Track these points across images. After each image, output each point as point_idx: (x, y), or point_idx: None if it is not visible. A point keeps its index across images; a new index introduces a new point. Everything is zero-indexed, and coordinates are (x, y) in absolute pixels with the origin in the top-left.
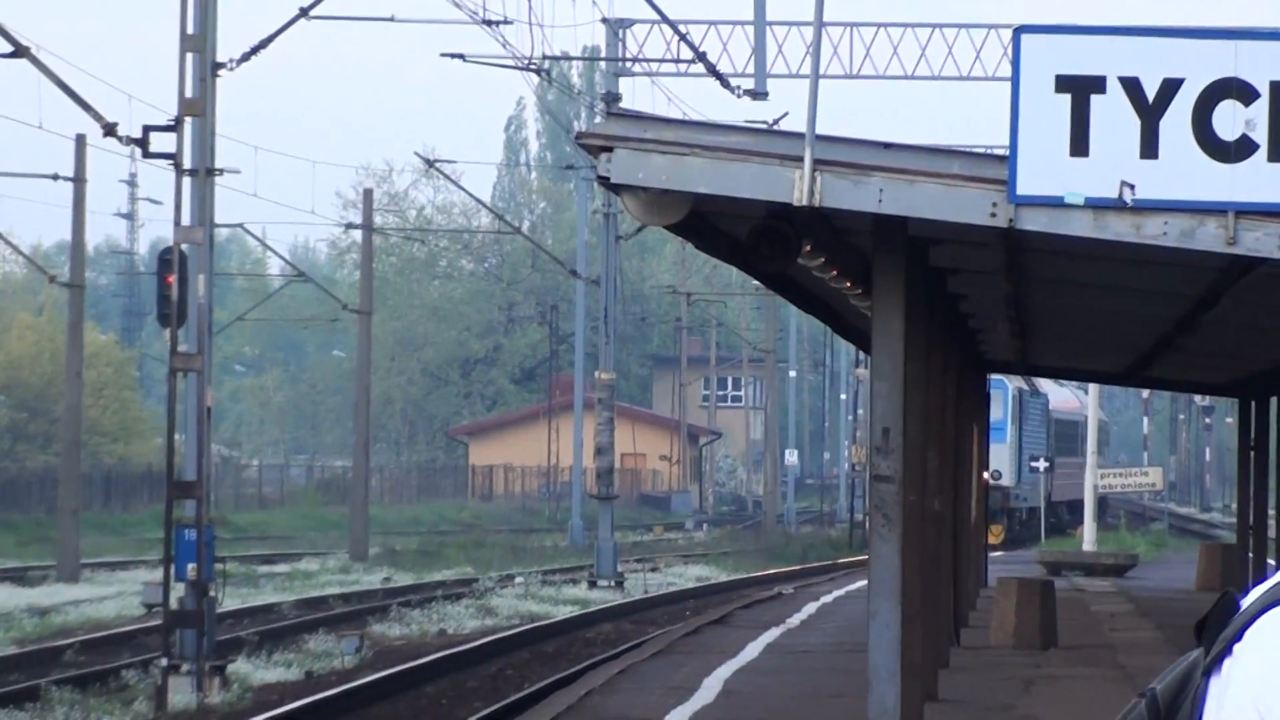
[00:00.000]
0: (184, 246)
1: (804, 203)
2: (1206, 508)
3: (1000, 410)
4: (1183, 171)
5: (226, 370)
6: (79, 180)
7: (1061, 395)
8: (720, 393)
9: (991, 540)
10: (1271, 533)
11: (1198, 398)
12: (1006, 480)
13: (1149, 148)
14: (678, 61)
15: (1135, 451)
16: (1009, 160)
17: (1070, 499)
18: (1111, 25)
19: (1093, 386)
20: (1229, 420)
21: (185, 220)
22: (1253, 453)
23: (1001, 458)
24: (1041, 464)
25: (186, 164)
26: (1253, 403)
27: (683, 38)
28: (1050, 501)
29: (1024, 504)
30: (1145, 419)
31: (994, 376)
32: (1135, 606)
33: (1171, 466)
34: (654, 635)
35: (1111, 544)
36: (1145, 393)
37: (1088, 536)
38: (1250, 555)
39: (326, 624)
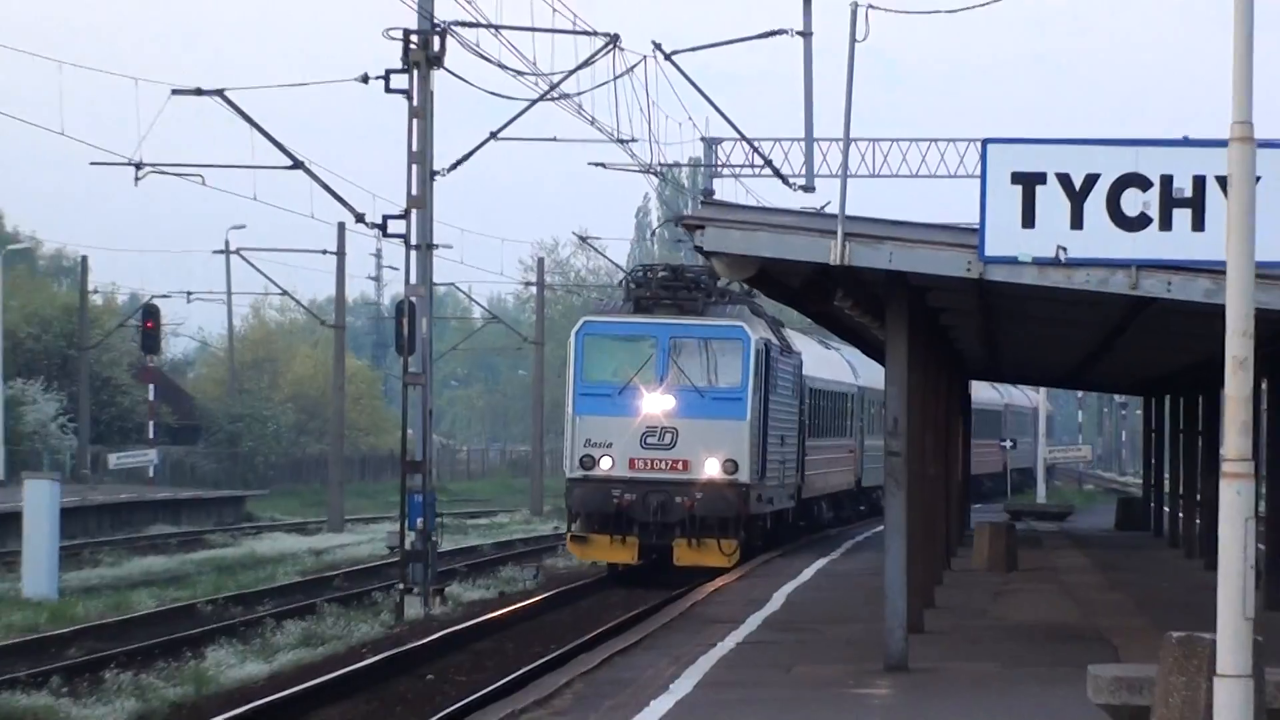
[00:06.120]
0: (413, 299)
1: (838, 263)
2: (1123, 473)
3: (737, 371)
4: (1100, 238)
5: (444, 385)
6: (340, 254)
7: (819, 357)
8: None
9: (717, 563)
10: (1166, 489)
11: (1116, 396)
12: (744, 474)
13: (1076, 222)
14: (753, 166)
15: (1072, 434)
16: (979, 231)
17: (832, 491)
18: (1050, 137)
19: (1042, 389)
20: (1138, 411)
21: (413, 280)
22: (1153, 435)
23: (738, 441)
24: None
25: (413, 241)
26: (1153, 400)
27: (755, 150)
28: (802, 499)
29: (769, 507)
30: (1079, 411)
31: (730, 323)
32: (1071, 541)
33: (1099, 444)
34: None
35: (1057, 499)
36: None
37: (1040, 493)
38: (1151, 504)
39: (514, 558)
